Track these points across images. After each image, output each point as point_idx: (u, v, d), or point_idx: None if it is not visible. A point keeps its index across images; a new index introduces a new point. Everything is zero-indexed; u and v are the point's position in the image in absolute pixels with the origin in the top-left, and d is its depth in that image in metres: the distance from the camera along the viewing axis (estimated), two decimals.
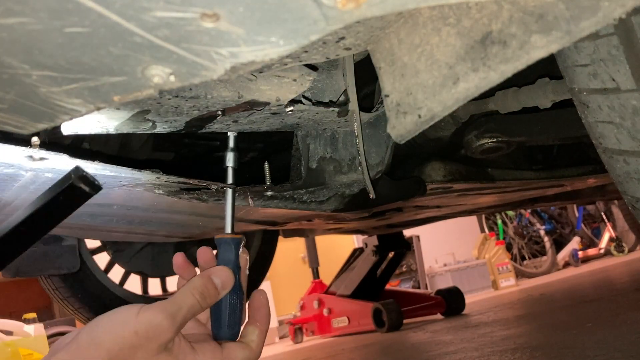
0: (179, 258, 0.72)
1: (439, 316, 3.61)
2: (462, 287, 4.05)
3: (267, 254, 2.68)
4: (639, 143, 0.71)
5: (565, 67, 0.74)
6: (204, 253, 0.72)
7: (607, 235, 7.35)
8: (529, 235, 7.05)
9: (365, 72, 0.91)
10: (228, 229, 0.74)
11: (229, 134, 0.81)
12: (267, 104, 0.86)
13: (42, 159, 0.80)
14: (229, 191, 0.77)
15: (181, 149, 1.57)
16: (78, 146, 1.28)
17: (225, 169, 0.78)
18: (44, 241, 1.67)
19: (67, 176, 0.66)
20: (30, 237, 0.69)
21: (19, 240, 0.68)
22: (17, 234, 0.67)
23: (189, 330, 0.68)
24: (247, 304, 0.72)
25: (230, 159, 0.79)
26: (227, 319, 0.68)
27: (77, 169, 0.66)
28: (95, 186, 0.66)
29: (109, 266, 2.35)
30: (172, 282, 2.58)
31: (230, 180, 0.78)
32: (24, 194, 0.95)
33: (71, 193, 0.66)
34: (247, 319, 0.72)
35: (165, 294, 2.55)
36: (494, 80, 0.54)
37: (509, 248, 6.63)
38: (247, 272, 0.73)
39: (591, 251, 7.28)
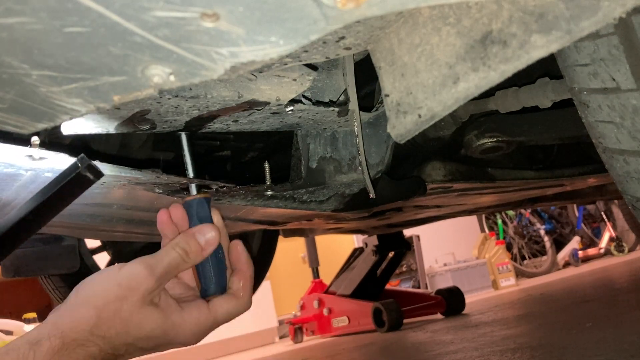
0: (163, 215, 0.73)
1: (439, 316, 3.61)
2: (462, 286, 4.04)
3: (267, 253, 2.68)
4: (639, 143, 0.71)
5: (565, 67, 0.74)
6: (177, 211, 0.72)
7: (607, 235, 7.35)
8: (529, 235, 7.05)
9: (365, 72, 0.91)
10: (194, 191, 0.78)
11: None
12: (267, 103, 0.86)
13: (41, 158, 0.80)
14: (187, 159, 0.80)
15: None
16: (78, 146, 1.28)
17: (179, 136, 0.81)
18: (43, 241, 1.66)
19: (74, 165, 0.69)
20: (37, 223, 0.73)
21: (27, 227, 0.72)
22: (27, 221, 0.71)
23: (176, 292, 0.70)
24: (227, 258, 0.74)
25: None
26: (211, 276, 0.70)
27: (83, 158, 0.70)
28: (98, 173, 0.70)
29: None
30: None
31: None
32: (24, 193, 0.95)
33: (77, 181, 0.69)
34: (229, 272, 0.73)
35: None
36: (494, 79, 0.54)
37: (509, 248, 6.63)
38: (225, 229, 0.75)
39: (591, 251, 7.28)
